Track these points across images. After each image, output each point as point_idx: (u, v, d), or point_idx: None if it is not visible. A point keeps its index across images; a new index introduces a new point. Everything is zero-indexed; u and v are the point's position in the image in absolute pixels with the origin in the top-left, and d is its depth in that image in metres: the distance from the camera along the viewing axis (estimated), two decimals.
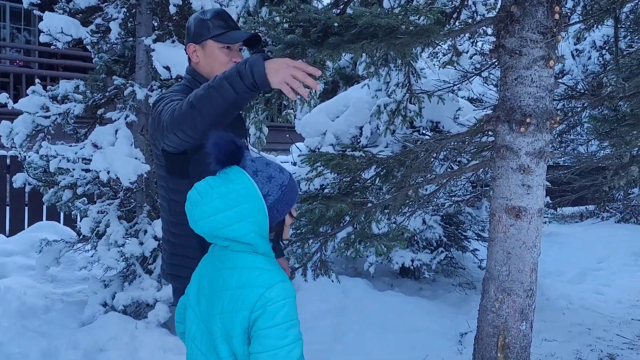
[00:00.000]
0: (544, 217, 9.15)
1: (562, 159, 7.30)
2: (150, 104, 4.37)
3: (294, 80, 1.62)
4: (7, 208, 6.43)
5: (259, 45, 2.29)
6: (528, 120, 2.92)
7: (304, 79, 1.62)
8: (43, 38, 4.24)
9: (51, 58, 11.18)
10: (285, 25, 2.94)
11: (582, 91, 4.59)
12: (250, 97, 1.75)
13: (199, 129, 1.78)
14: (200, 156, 2.04)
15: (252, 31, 2.26)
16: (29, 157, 4.65)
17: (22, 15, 12.21)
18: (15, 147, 4.52)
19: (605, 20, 4.60)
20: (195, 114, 1.78)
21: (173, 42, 4.31)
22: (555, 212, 10.33)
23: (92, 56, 4.81)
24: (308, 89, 1.71)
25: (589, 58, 10.07)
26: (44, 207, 6.49)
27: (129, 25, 4.62)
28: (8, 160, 6.40)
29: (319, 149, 5.92)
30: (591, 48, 10.09)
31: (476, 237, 6.19)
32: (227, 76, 1.74)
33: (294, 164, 6.93)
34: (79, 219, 5.77)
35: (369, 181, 3.87)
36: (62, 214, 6.49)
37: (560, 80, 5.82)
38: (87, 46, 4.68)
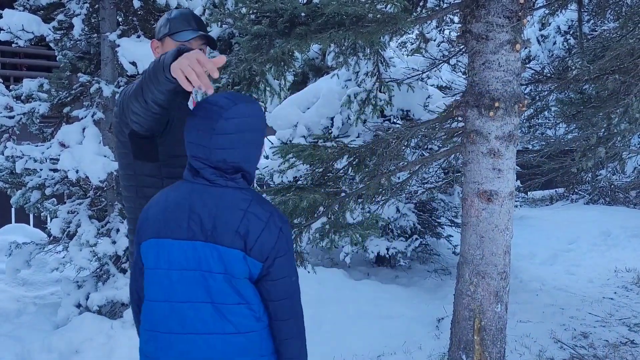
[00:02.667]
0: (515, 201, 9.28)
1: (531, 143, 7.41)
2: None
3: (190, 71, 1.56)
4: None
5: (216, 45, 2.31)
6: (497, 104, 2.94)
7: (199, 73, 1.55)
8: (4, 36, 4.14)
9: (14, 57, 10.90)
10: (252, 16, 2.92)
11: (549, 75, 4.66)
12: (165, 83, 1.71)
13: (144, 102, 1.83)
14: (168, 139, 2.04)
15: (222, 26, 2.26)
16: None
17: None
18: None
19: (569, 5, 4.67)
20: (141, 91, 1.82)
21: (138, 37, 4.24)
22: (526, 196, 10.50)
23: (56, 54, 4.72)
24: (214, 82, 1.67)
25: (554, 43, 10.22)
26: (12, 209, 6.36)
27: (93, 21, 4.54)
28: None
29: (290, 141, 5.90)
30: (556, 33, 10.24)
31: (450, 224, 6.26)
32: (155, 63, 1.72)
33: (266, 157, 6.90)
34: (48, 220, 5.68)
35: (341, 171, 3.87)
36: (31, 216, 6.37)
37: (527, 66, 5.90)
38: (50, 43, 4.58)
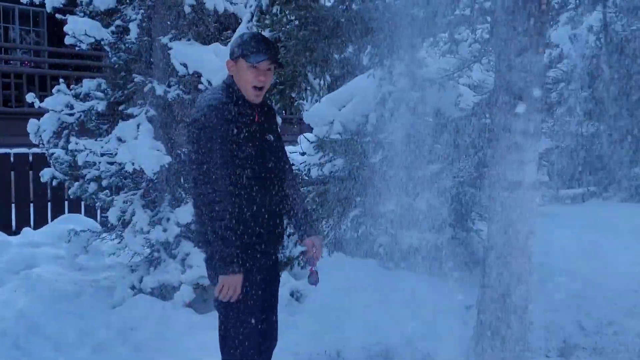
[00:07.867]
0: (545, 197, 9.31)
1: (561, 142, 7.52)
2: (169, 99, 4.66)
3: (226, 290, 2.40)
4: (32, 204, 6.74)
5: (283, 65, 2.65)
6: (520, 102, 3.18)
7: (224, 297, 2.43)
8: (68, 40, 4.52)
9: (60, 58, 11.48)
10: (297, 22, 3.22)
11: (576, 74, 4.84)
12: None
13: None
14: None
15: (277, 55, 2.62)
16: (55, 152, 4.95)
17: (31, 17, 12.51)
18: (43, 144, 4.83)
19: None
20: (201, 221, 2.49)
21: (189, 40, 4.58)
22: (557, 194, 10.53)
23: (110, 56, 5.08)
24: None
25: (586, 42, 10.25)
26: (65, 202, 6.81)
27: (145, 25, 4.89)
28: (30, 157, 6.68)
29: (327, 137, 6.16)
30: (588, 32, 10.26)
31: (480, 217, 6.43)
32: (218, 254, 2.40)
33: (302, 153, 7.19)
34: (98, 211, 6.11)
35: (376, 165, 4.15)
36: (82, 206, 6.80)
37: (558, 66, 6.05)
38: (105, 47, 4.95)
